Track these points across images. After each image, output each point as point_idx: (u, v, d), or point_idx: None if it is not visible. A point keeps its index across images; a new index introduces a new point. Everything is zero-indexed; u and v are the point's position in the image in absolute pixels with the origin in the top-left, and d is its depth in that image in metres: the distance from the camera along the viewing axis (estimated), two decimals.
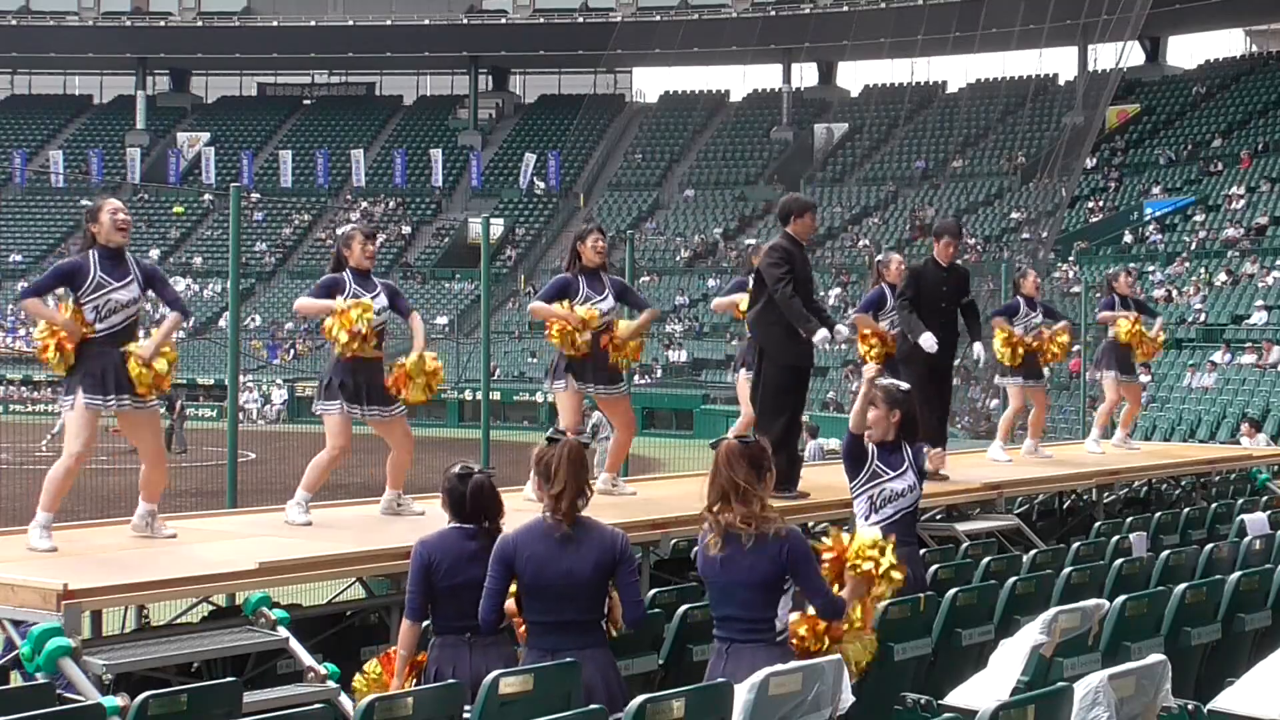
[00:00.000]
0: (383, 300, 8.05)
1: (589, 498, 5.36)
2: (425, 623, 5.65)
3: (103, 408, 7.19)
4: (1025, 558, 8.17)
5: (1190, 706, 4.86)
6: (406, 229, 57.17)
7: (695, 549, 8.28)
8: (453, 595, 5.55)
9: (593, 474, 5.72)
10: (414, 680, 5.57)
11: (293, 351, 49.34)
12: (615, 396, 9.12)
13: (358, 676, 5.81)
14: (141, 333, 7.49)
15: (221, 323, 46.48)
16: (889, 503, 7.07)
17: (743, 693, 4.56)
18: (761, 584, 5.20)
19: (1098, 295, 15.86)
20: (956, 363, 11.94)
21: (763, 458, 5.28)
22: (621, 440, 9.44)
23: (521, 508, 6.70)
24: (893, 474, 7.05)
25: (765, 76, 61.39)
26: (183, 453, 28.69)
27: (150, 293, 7.42)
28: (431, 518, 7.04)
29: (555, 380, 8.89)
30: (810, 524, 8.43)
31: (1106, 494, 11.88)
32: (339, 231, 8.43)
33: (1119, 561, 7.74)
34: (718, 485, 5.21)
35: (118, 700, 5.32)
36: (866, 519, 6.97)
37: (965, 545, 8.73)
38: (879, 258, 11.39)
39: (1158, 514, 10.20)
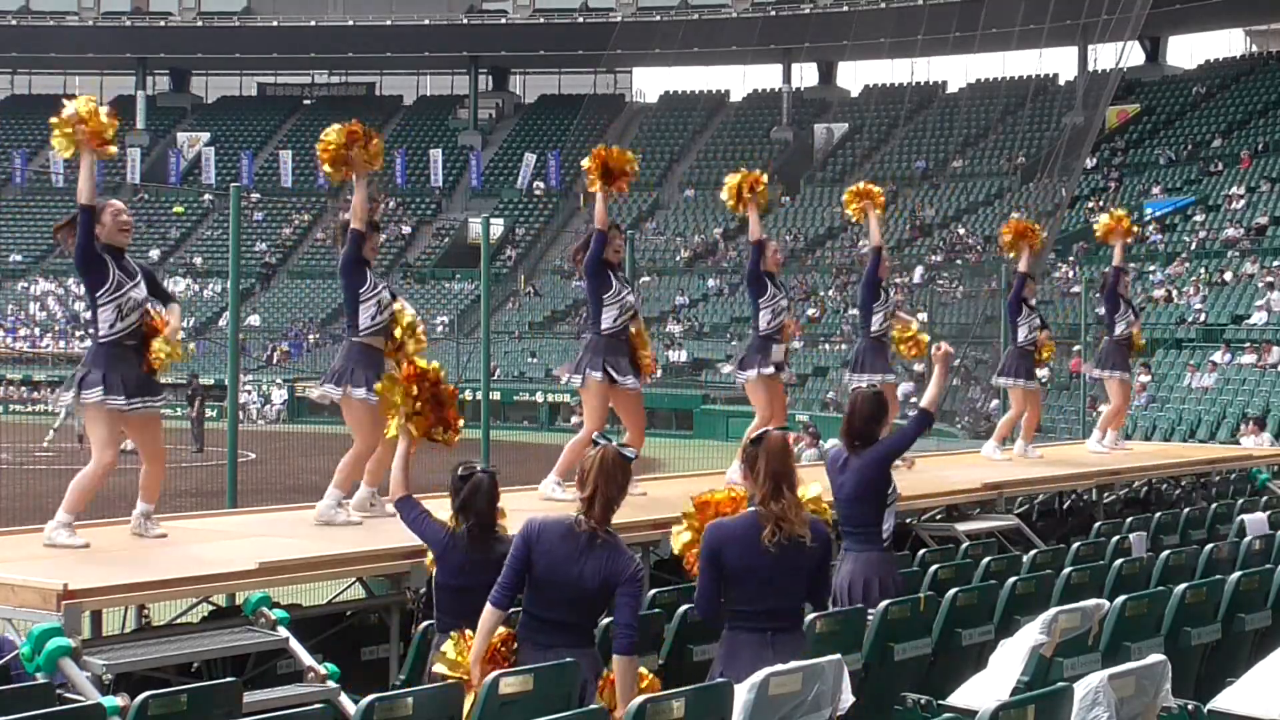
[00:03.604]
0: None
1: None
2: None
3: (125, 410, 7.14)
4: (1025, 558, 8.16)
5: (1190, 706, 4.86)
6: (406, 229, 57.14)
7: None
8: (461, 594, 5.55)
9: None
10: (491, 669, 5.29)
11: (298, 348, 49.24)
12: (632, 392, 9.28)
13: (448, 645, 5.48)
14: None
15: (221, 323, 46.46)
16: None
17: (743, 693, 4.56)
18: (816, 569, 5.43)
19: (1096, 296, 16.08)
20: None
21: (790, 451, 5.52)
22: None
23: (533, 506, 6.71)
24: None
25: (765, 76, 61.44)
26: (199, 451, 27.91)
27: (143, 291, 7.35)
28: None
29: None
30: None
31: (1106, 494, 11.91)
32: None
33: (1119, 561, 7.74)
34: (771, 476, 5.33)
35: (118, 700, 5.31)
36: (887, 525, 7.00)
37: (965, 545, 8.72)
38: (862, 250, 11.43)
39: (1158, 514, 10.19)
